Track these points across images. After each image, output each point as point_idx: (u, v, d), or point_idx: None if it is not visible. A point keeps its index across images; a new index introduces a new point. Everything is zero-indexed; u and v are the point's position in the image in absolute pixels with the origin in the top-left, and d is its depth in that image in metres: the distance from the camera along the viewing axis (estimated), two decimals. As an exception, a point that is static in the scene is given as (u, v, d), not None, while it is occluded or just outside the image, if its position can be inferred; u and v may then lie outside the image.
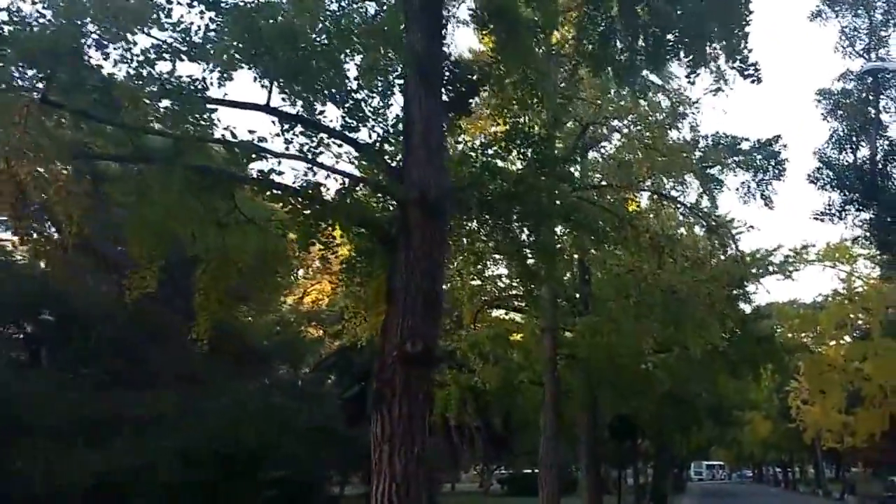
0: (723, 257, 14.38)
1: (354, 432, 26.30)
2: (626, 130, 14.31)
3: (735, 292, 17.06)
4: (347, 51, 6.99)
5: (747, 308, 21.58)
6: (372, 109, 7.47)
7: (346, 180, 7.52)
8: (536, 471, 27.30)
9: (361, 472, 23.30)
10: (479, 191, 9.49)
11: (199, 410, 16.22)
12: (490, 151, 9.87)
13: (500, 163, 10.06)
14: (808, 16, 19.69)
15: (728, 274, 13.74)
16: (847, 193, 20.00)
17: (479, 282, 15.04)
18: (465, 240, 10.64)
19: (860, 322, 39.44)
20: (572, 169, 11.98)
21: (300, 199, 7.56)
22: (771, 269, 30.52)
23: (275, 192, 7.58)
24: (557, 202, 10.32)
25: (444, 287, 7.45)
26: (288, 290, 29.43)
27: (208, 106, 7.29)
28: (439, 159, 7.34)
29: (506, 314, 20.07)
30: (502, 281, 15.62)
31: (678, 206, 15.17)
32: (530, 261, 10.56)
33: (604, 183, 15.12)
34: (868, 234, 20.59)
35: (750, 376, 20.14)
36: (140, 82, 6.50)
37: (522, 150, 10.27)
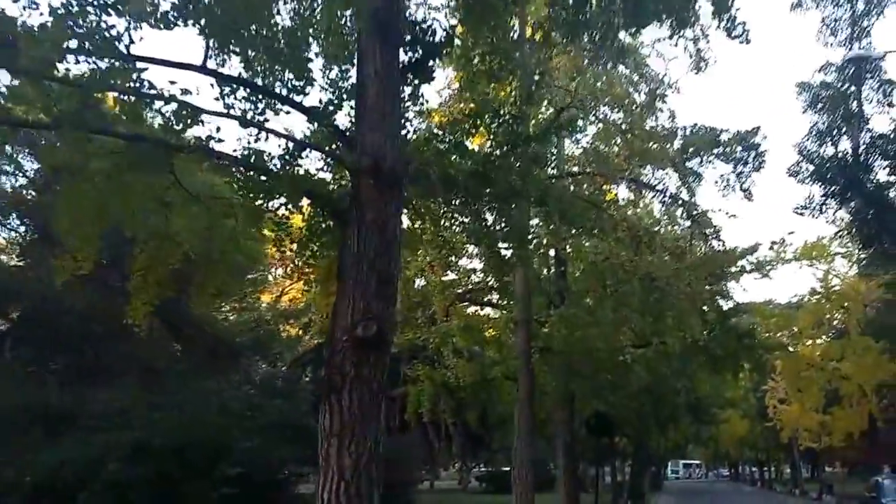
0: (703, 246, 13.92)
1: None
2: (602, 115, 13.80)
3: (715, 288, 16.65)
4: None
5: (726, 305, 21.29)
6: (321, 69, 6.79)
7: (291, 144, 6.82)
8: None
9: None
10: (445, 168, 8.89)
11: (159, 405, 15.46)
12: (457, 129, 9.28)
13: (468, 141, 9.48)
14: (790, 5, 19.33)
15: (708, 264, 13.26)
16: (828, 187, 19.67)
17: (451, 275, 14.45)
18: (431, 227, 10.04)
19: (836, 321, 39.65)
20: (548, 153, 11.35)
21: (243, 170, 6.88)
22: (748, 267, 30.39)
23: (216, 161, 6.89)
24: (529, 184, 9.76)
25: (400, 266, 6.78)
26: (263, 287, 28.72)
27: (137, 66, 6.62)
28: (395, 124, 6.69)
29: (480, 309, 19.50)
30: (476, 275, 15.05)
31: (657, 193, 14.69)
32: (501, 246, 9.95)
33: (580, 171, 14.58)
34: (849, 228, 20.25)
35: (730, 373, 19.69)
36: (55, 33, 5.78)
37: (492, 128, 9.69)
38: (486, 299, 16.83)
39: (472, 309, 19.54)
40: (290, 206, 7.28)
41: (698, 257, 13.23)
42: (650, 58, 16.01)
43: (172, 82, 6.78)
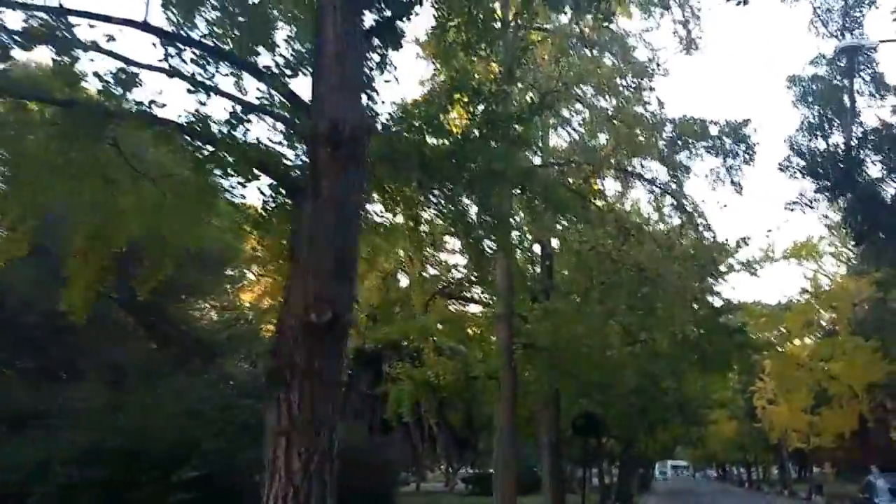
0: (693, 235, 13.32)
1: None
2: (588, 101, 13.16)
3: (704, 285, 16.09)
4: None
5: (716, 303, 20.79)
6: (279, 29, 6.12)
7: (238, 108, 6.13)
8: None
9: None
10: (419, 147, 8.24)
11: (121, 405, 14.70)
12: (433, 105, 8.63)
13: (444, 119, 8.84)
14: (782, -5, 18.86)
15: (699, 254, 12.68)
16: (819, 182, 19.20)
17: (431, 270, 13.79)
18: (406, 212, 9.39)
19: (825, 321, 39.37)
20: (531, 137, 10.69)
21: (189, 139, 6.19)
22: (737, 266, 29.83)
23: (158, 129, 6.19)
24: (510, 167, 9.13)
25: (357, 243, 6.09)
26: (242, 284, 27.89)
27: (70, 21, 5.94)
28: (357, 88, 6.03)
29: (463, 306, 18.85)
30: (458, 270, 14.41)
31: (645, 183, 14.08)
32: (481, 233, 9.29)
33: (566, 160, 13.97)
34: (840, 223, 19.77)
35: (721, 371, 19.12)
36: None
37: (470, 106, 9.06)
38: (468, 295, 16.16)
39: (455, 306, 18.93)
40: (243, 182, 6.58)
41: (688, 246, 12.64)
42: (637, 49, 15.50)
43: (110, 38, 6.12)
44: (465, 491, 45.00)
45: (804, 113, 19.64)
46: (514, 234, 11.08)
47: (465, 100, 9.18)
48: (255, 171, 6.51)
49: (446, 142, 8.57)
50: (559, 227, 11.80)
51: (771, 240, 47.91)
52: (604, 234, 11.26)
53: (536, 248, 19.39)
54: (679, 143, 16.79)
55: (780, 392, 39.03)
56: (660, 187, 14.00)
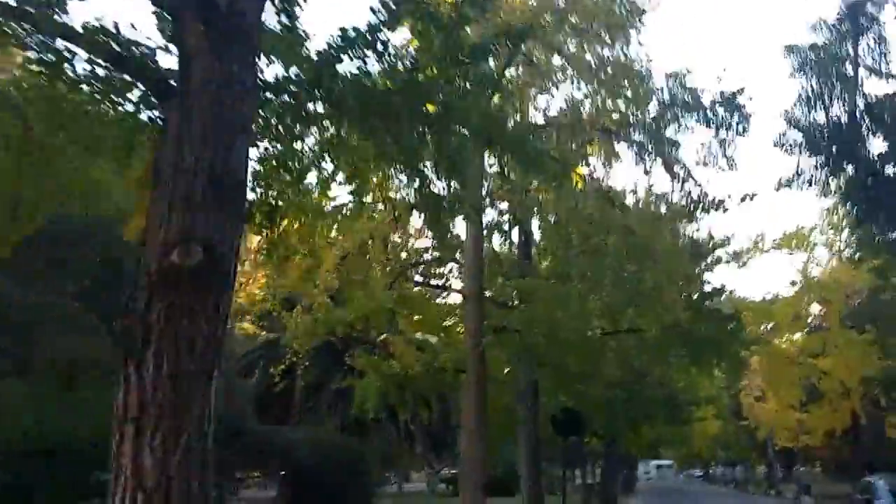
0: (684, 199, 11.85)
1: (267, 428, 23.26)
2: (567, 52, 11.61)
3: (697, 263, 14.67)
4: None
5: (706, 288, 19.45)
6: None
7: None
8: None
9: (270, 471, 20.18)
10: (359, 82, 6.66)
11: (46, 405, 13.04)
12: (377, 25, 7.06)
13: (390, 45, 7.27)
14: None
15: (687, 214, 11.19)
16: (819, 157, 17.84)
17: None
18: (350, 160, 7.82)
19: (816, 315, 38.24)
20: (498, 79, 9.12)
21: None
22: (725, 257, 28.39)
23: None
24: (471, 108, 7.59)
25: (245, 159, 4.49)
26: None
27: None
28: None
29: (434, 293, 17.25)
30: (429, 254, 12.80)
31: (630, 144, 12.54)
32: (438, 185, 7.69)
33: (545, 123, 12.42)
34: (840, 202, 18.42)
35: (711, 363, 17.67)
36: None
37: (424, 32, 7.49)
38: (438, 283, 14.56)
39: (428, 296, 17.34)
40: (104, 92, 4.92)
41: (680, 208, 11.19)
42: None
43: None
44: (445, 492, 43.56)
45: (802, 84, 18.27)
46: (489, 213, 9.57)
47: (419, 28, 7.63)
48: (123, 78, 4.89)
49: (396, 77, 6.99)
50: (535, 191, 10.22)
51: (760, 230, 46.73)
52: (584, 197, 9.72)
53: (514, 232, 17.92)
54: (669, 113, 15.38)
55: (767, 388, 37.93)
56: (648, 151, 12.46)
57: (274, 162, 6.33)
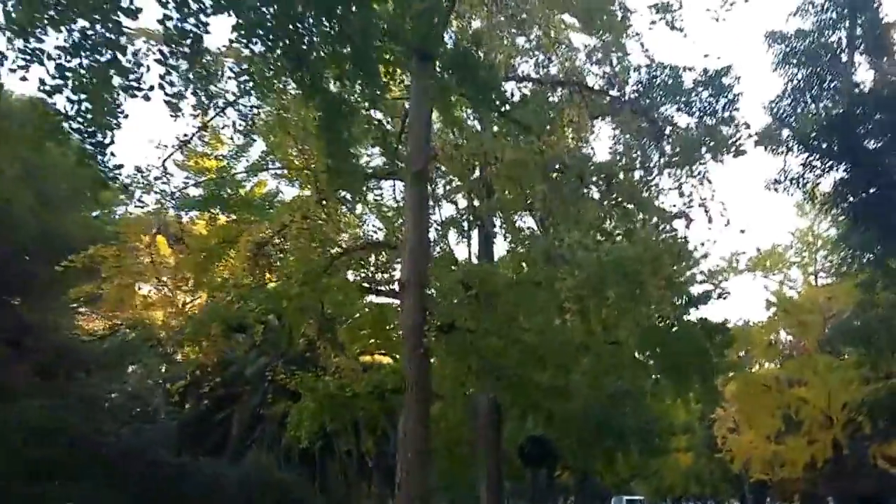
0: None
1: (186, 461, 20.39)
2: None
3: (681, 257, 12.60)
4: None
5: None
6: None
7: None
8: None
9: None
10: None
11: None
12: None
13: None
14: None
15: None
16: (809, 153, 16.17)
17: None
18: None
19: (790, 340, 36.73)
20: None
21: None
22: (699, 276, 26.70)
23: None
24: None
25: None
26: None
27: None
28: None
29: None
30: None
31: (605, 98, 10.49)
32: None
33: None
34: (831, 202, 16.69)
35: (695, 382, 15.51)
36: None
37: None
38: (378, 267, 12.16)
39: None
40: None
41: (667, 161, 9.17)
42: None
43: None
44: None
45: (790, 74, 16.68)
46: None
47: None
48: None
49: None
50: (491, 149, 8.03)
51: (736, 249, 45.62)
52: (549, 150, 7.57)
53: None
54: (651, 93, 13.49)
55: (743, 419, 36.11)
56: (631, 105, 10.42)
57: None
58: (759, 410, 32.34)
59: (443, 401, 11.85)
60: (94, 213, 23.58)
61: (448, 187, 13.75)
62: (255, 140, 13.90)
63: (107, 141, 4.95)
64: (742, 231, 24.36)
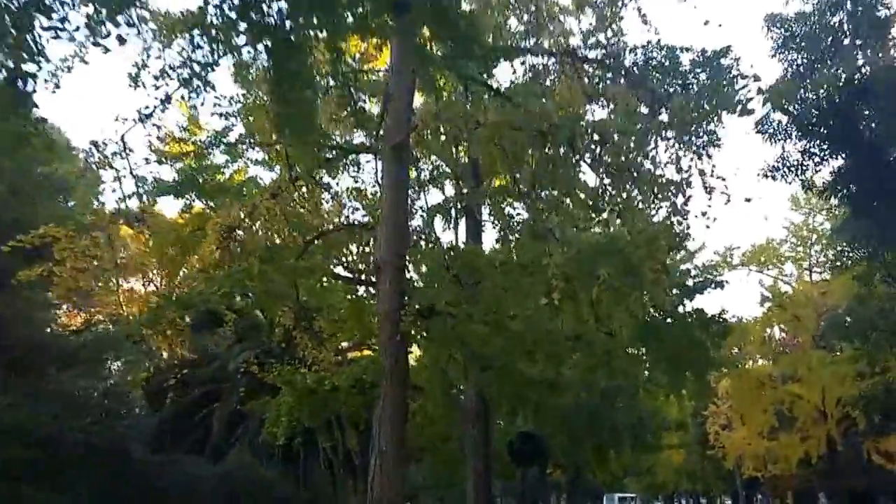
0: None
1: (162, 458, 19.67)
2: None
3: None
4: None
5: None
6: None
7: None
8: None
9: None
10: None
11: None
12: None
13: None
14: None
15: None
16: (810, 139, 15.65)
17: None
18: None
19: (784, 336, 36.37)
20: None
21: None
22: (694, 271, 26.48)
23: None
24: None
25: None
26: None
27: None
28: None
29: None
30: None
31: (599, 70, 9.85)
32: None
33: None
34: (831, 190, 16.17)
35: (692, 376, 14.93)
36: None
37: None
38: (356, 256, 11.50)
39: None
40: None
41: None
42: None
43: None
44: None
45: (790, 59, 16.12)
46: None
47: None
48: None
49: None
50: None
51: (730, 244, 44.99)
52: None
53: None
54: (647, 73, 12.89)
55: (736, 415, 35.75)
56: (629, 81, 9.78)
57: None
58: (753, 406, 31.95)
59: (424, 394, 11.21)
60: (70, 204, 22.86)
61: (435, 172, 13.14)
62: (233, 126, 13.32)
63: (29, 89, 4.32)
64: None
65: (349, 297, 12.02)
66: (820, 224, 31.66)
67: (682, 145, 8.87)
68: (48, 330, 20.96)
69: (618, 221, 8.28)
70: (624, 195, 8.18)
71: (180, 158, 15.04)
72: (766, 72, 38.55)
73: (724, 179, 9.06)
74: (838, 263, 22.39)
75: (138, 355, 25.28)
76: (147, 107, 8.32)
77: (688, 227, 8.82)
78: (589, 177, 8.67)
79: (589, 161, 7.86)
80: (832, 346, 29.60)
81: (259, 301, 10.46)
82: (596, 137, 7.62)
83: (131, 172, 8.26)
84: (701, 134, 9.16)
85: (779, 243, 32.93)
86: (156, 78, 8.05)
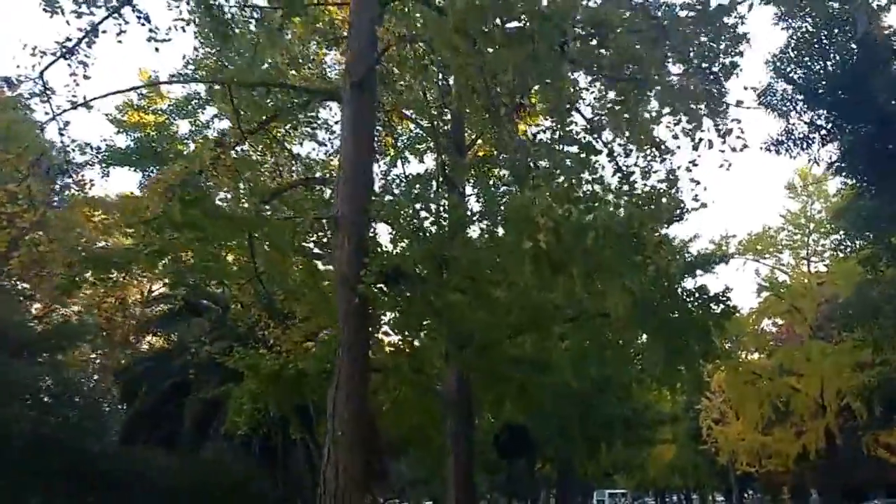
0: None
1: (130, 450, 18.51)
2: None
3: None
4: None
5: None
6: None
7: None
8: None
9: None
10: None
11: None
12: None
13: None
14: None
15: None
16: (817, 111, 14.64)
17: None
18: None
19: (781, 326, 35.54)
20: None
21: None
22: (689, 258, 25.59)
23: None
24: None
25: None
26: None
27: None
28: None
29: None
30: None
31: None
32: None
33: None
34: (838, 166, 15.16)
35: (693, 359, 13.85)
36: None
37: None
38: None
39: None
40: None
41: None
42: None
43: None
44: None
45: (795, 26, 15.11)
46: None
47: None
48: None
49: None
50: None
51: (725, 232, 43.93)
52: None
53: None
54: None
55: (731, 409, 34.88)
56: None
57: None
58: (748, 400, 31.09)
59: (396, 376, 10.08)
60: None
61: (414, 136, 12.01)
62: (199, 95, 12.31)
63: None
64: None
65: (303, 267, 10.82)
66: (818, 212, 30.68)
67: (692, 70, 7.79)
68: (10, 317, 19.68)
69: (615, 179, 7.19)
70: (627, 116, 7.03)
71: (140, 128, 14.09)
72: (770, 41, 37.41)
73: (739, 122, 7.95)
74: (842, 247, 21.39)
75: (111, 348, 24.13)
76: (69, 38, 7.18)
77: (697, 184, 7.70)
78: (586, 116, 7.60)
79: (578, 54, 6.69)
80: (830, 337, 28.68)
81: (200, 267, 9.29)
82: (592, 28, 6.53)
83: (54, 118, 7.12)
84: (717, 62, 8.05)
85: (776, 231, 31.90)
86: (77, 4, 6.94)
